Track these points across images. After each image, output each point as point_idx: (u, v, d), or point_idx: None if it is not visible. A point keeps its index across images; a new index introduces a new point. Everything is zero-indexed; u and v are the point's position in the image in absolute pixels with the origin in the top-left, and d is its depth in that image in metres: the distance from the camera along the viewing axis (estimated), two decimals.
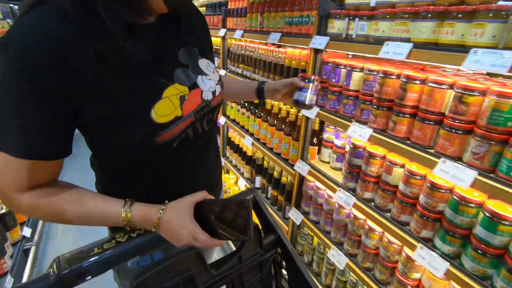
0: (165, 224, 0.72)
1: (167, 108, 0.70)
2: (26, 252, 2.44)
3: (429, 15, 0.99)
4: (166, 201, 0.75)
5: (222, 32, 2.43)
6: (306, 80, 1.05)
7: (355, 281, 1.53)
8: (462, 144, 0.98)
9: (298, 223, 1.82)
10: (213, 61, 0.89)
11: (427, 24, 1.00)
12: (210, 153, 0.91)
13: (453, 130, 0.98)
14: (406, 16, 1.06)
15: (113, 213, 0.70)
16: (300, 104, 1.04)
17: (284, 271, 0.94)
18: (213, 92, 0.81)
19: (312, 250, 1.87)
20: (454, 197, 1.00)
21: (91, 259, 0.68)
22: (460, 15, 0.92)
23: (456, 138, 0.98)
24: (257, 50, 2.10)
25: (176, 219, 0.72)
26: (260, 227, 0.89)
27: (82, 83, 0.59)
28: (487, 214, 0.91)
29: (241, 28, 2.22)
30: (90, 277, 0.69)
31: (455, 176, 0.93)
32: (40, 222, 2.85)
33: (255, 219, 0.92)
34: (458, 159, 1.00)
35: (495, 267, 0.94)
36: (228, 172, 2.94)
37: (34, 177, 0.63)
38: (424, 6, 1.05)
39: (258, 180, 2.39)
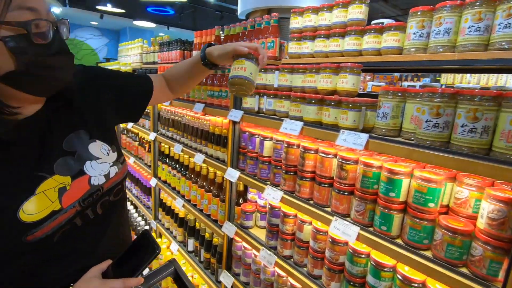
0: None
1: (40, 204, 0.66)
2: None
3: (313, 101, 1.26)
4: (71, 285, 0.74)
5: None
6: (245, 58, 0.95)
7: None
8: (348, 203, 1.18)
9: (229, 287, 1.80)
10: (110, 141, 0.84)
11: (312, 107, 1.26)
12: (108, 233, 0.84)
13: (341, 192, 1.18)
14: (298, 99, 1.32)
15: None
16: (236, 83, 0.93)
17: None
18: (107, 175, 0.78)
19: None
20: (349, 250, 1.17)
21: None
22: (332, 103, 1.19)
23: (344, 198, 1.18)
24: (185, 116, 2.23)
25: None
26: None
27: None
28: (373, 263, 1.08)
29: None
30: None
31: (344, 232, 1.11)
32: None
33: None
34: (347, 215, 1.19)
35: None
36: (160, 236, 2.80)
37: None
38: (311, 92, 1.33)
39: (191, 243, 2.33)
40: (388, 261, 1.06)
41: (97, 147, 0.79)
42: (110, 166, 0.80)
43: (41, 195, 0.66)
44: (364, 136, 1.03)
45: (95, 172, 0.76)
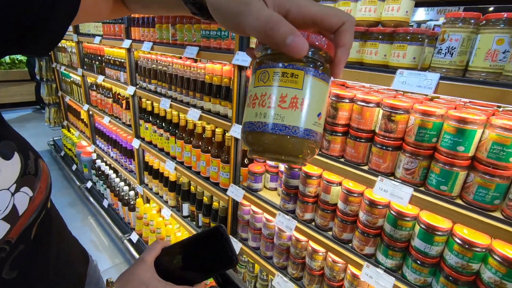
0: None
1: None
2: None
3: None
4: (110, 280, 0.53)
5: (126, 43, 2.11)
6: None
7: None
8: (393, 160, 1.01)
9: (236, 253, 1.66)
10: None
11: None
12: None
13: (385, 147, 1.00)
14: None
15: None
16: (271, 147, 0.34)
17: None
18: (10, 215, 0.36)
19: (254, 278, 1.74)
20: (392, 212, 1.02)
21: None
22: (381, 36, 0.94)
23: (388, 155, 1.00)
24: (171, 64, 1.87)
25: None
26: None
27: None
28: (423, 226, 0.95)
29: (149, 39, 1.95)
30: None
31: (393, 194, 0.94)
32: None
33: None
34: (390, 174, 1.03)
35: (434, 274, 0.98)
36: (148, 202, 2.57)
37: None
38: None
39: (186, 208, 2.14)
40: (441, 224, 0.93)
41: None
42: (14, 193, 0.36)
43: None
44: (434, 76, 0.81)
45: None
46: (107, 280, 0.54)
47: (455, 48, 0.85)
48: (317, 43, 0.32)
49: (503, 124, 0.77)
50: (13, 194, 0.36)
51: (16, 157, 0.36)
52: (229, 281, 0.74)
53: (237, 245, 1.67)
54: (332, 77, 0.36)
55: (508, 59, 0.76)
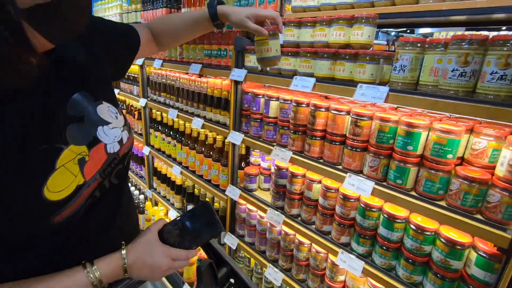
0: (135, 265, 0.68)
1: (64, 179, 0.58)
2: None
3: (325, 55, 1.20)
4: (123, 242, 0.71)
5: (139, 60, 2.37)
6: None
7: None
8: (361, 159, 1.18)
9: (234, 248, 1.84)
10: (115, 102, 0.75)
11: (325, 62, 1.20)
12: (123, 202, 0.80)
13: (354, 149, 1.18)
14: (309, 55, 1.26)
15: (78, 282, 0.62)
16: (266, 64, 1.02)
17: None
18: (120, 141, 0.70)
19: (250, 272, 1.90)
20: (361, 204, 1.19)
21: None
22: (347, 56, 1.14)
23: (357, 155, 1.18)
24: (178, 79, 2.11)
25: (144, 253, 0.70)
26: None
27: None
28: (385, 216, 1.11)
29: (160, 57, 2.21)
30: None
31: (359, 187, 1.12)
32: None
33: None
34: (360, 172, 1.20)
35: (396, 258, 1.14)
36: (156, 204, 2.78)
37: None
38: (320, 47, 1.27)
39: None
40: (400, 213, 1.09)
41: (105, 110, 0.69)
42: (122, 131, 0.72)
43: (62, 169, 0.57)
44: (384, 89, 1.00)
45: (109, 139, 0.68)
46: (121, 243, 0.73)
47: (406, 66, 1.03)
48: (270, 28, 0.95)
49: (441, 127, 0.95)
50: (122, 132, 0.71)
51: (122, 116, 0.74)
52: (218, 256, 0.91)
53: (234, 241, 1.84)
54: (280, 35, 0.98)
55: (442, 75, 0.94)
